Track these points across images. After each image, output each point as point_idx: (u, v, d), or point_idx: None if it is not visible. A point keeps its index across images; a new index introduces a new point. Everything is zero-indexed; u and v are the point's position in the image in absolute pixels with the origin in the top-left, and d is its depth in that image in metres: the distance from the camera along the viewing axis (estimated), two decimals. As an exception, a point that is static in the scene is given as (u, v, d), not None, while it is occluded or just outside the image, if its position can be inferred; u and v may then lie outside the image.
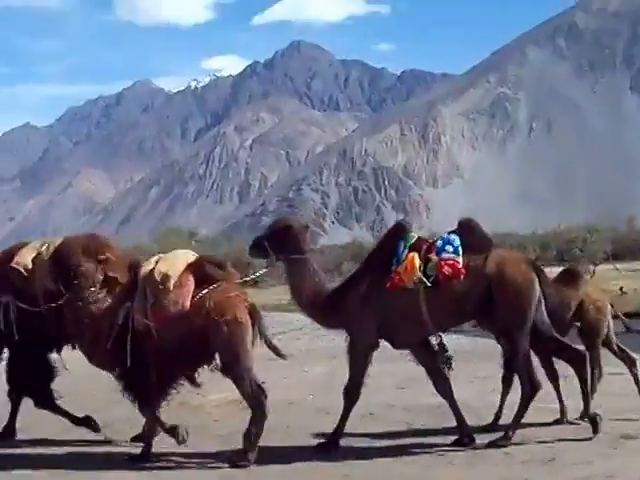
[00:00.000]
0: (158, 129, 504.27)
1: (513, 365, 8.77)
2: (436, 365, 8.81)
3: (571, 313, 9.55)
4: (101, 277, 8.85)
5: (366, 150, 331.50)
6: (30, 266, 9.42)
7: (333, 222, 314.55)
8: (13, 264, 9.52)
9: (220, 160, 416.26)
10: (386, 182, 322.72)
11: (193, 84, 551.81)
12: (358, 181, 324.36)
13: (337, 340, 10.08)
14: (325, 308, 8.82)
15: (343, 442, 8.70)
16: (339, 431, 8.68)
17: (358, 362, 8.69)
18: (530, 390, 8.49)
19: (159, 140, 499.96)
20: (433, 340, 8.84)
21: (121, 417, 9.76)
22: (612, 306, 9.95)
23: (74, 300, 8.74)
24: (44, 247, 9.54)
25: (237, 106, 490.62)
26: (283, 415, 9.76)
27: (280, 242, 8.81)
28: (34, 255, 9.50)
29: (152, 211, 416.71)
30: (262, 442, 8.12)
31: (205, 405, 10.71)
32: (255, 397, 8.11)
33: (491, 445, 8.43)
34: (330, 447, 8.62)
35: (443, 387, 8.82)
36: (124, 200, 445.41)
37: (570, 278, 9.81)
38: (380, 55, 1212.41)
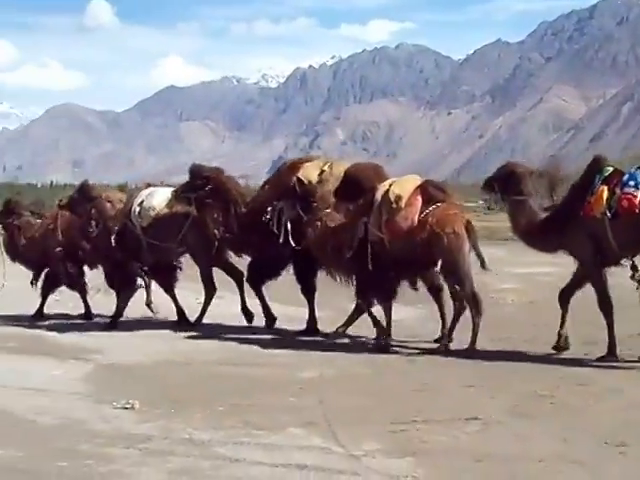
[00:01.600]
0: (632, 43, 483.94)
1: None
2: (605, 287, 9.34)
3: None
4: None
5: None
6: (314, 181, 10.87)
7: None
8: (299, 175, 10.95)
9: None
10: None
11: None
12: None
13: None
14: (539, 239, 9.76)
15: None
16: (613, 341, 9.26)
17: (596, 278, 9.41)
18: None
19: (633, 54, 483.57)
20: (626, 263, 9.32)
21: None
22: None
23: (313, 220, 10.46)
24: (327, 166, 11.11)
25: None
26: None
27: (504, 184, 9.88)
28: (318, 171, 10.98)
29: (624, 129, 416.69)
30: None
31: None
32: (474, 295, 9.70)
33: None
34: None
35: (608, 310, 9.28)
36: (595, 117, 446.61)
37: None
38: None
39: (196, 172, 11.84)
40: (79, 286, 13.50)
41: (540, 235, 9.76)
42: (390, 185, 10.09)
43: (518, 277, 17.97)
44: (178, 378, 8.95)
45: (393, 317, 10.39)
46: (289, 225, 10.77)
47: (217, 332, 11.62)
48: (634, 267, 9.33)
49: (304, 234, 10.57)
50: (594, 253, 9.31)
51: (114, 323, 12.42)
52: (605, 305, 9.37)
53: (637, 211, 8.95)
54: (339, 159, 11.83)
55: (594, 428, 6.65)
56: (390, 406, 7.52)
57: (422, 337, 10.87)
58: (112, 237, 12.27)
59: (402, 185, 10.09)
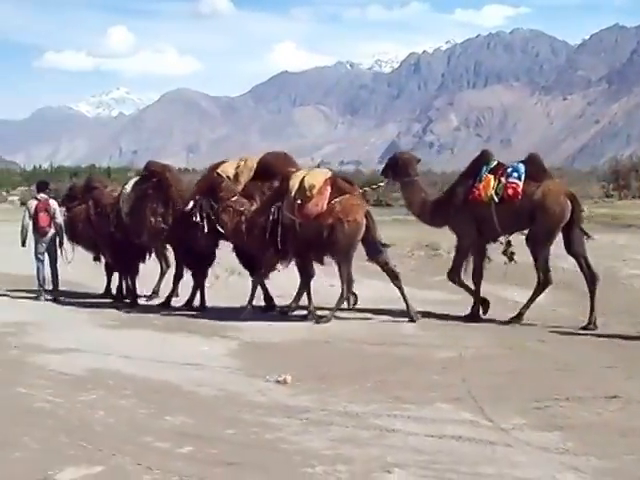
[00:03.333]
0: None
1: (536, 265, 11.04)
2: (483, 261, 11.48)
3: None
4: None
5: None
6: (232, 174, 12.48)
7: None
8: (219, 170, 12.66)
9: None
10: None
11: None
12: None
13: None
14: (430, 215, 11.87)
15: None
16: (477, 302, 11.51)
17: (461, 254, 11.60)
18: (545, 282, 11.06)
19: None
20: (502, 239, 11.61)
21: None
22: None
23: (224, 207, 12.03)
24: (242, 161, 12.75)
25: None
26: None
27: (395, 169, 12.13)
28: (235, 166, 12.62)
29: None
30: None
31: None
32: (348, 282, 11.45)
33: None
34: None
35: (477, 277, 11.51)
36: None
37: None
38: None
39: (146, 166, 13.62)
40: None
41: (431, 212, 11.82)
42: (304, 175, 11.63)
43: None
44: (322, 355, 9.43)
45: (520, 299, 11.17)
46: (206, 216, 12.30)
47: (347, 314, 12.01)
48: (509, 243, 11.63)
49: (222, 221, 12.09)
50: (474, 231, 11.33)
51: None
52: (477, 276, 11.45)
53: (519, 198, 10.95)
54: (255, 155, 12.91)
55: None
56: (531, 384, 7.84)
57: (550, 321, 11.20)
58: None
59: (315, 176, 11.66)
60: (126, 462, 5.67)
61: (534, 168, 11.24)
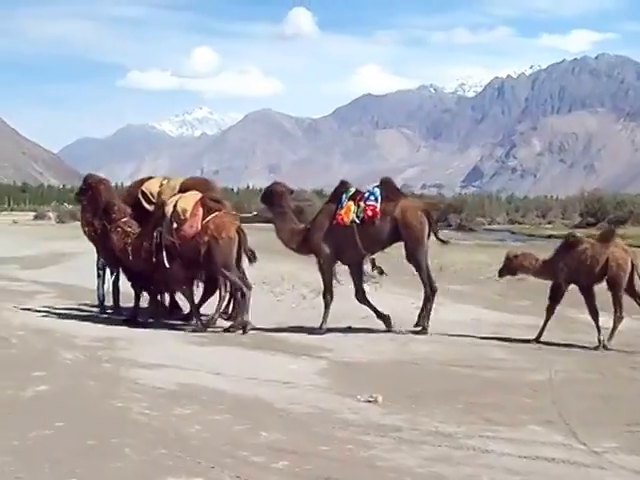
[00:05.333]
0: None
1: (420, 276, 12.21)
2: (361, 279, 12.65)
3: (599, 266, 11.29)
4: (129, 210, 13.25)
5: None
6: (155, 192, 13.40)
7: None
8: (143, 188, 13.59)
9: None
10: None
11: None
12: None
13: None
14: (298, 244, 12.76)
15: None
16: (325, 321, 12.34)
17: (327, 275, 12.55)
18: (431, 292, 12.17)
19: None
20: (367, 258, 12.54)
21: None
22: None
23: (114, 227, 13.07)
24: (165, 180, 13.82)
25: None
26: None
27: (269, 199, 13.04)
28: (159, 184, 13.57)
29: None
30: None
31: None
32: (238, 287, 12.45)
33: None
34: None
35: (361, 295, 12.62)
36: None
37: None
38: None
39: (84, 179, 14.24)
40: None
41: (298, 242, 12.69)
42: (177, 200, 12.61)
43: None
44: (411, 376, 9.48)
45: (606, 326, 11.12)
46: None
47: (435, 337, 12.09)
48: (373, 262, 12.50)
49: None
50: (333, 253, 12.35)
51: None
52: (327, 294, 12.44)
53: (379, 217, 12.05)
54: (176, 177, 14.04)
55: None
56: (623, 408, 7.85)
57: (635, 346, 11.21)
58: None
59: (186, 200, 12.62)
60: (225, 475, 5.79)
61: (389, 190, 12.43)
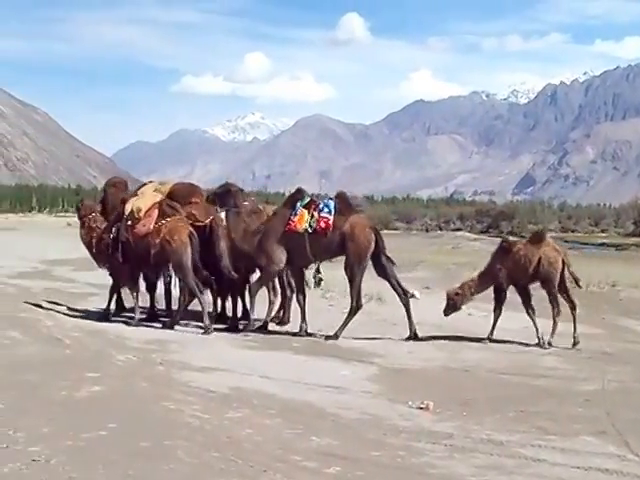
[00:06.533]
0: None
1: (351, 290, 12.59)
2: (303, 283, 13.02)
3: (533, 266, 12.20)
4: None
5: None
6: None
7: None
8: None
9: None
10: None
11: None
12: None
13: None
14: (249, 242, 12.95)
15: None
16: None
17: (269, 278, 13.15)
18: (356, 307, 12.57)
19: None
20: (313, 266, 13.06)
21: None
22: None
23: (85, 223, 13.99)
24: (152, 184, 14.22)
25: None
26: None
27: (222, 198, 13.20)
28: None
29: None
30: None
31: None
32: (193, 289, 12.78)
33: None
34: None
35: (301, 296, 12.89)
36: None
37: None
38: None
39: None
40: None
41: (249, 240, 12.84)
42: (136, 200, 13.10)
43: None
44: (462, 383, 9.47)
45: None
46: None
47: (488, 345, 12.12)
48: (318, 269, 13.06)
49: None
50: (284, 258, 12.62)
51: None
52: (253, 291, 12.84)
53: (330, 229, 12.39)
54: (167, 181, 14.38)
55: None
56: (677, 422, 7.70)
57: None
58: None
59: (144, 200, 13.09)
60: (277, 479, 5.83)
61: (342, 204, 12.67)
